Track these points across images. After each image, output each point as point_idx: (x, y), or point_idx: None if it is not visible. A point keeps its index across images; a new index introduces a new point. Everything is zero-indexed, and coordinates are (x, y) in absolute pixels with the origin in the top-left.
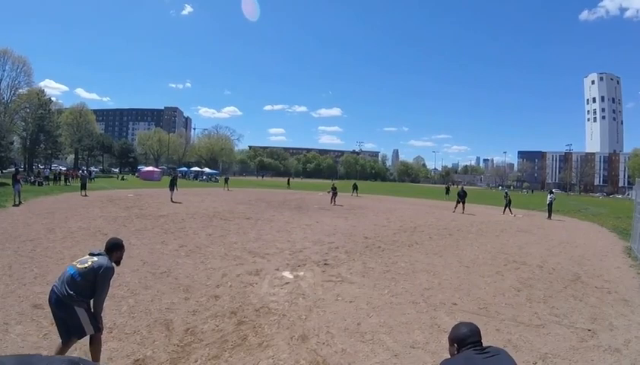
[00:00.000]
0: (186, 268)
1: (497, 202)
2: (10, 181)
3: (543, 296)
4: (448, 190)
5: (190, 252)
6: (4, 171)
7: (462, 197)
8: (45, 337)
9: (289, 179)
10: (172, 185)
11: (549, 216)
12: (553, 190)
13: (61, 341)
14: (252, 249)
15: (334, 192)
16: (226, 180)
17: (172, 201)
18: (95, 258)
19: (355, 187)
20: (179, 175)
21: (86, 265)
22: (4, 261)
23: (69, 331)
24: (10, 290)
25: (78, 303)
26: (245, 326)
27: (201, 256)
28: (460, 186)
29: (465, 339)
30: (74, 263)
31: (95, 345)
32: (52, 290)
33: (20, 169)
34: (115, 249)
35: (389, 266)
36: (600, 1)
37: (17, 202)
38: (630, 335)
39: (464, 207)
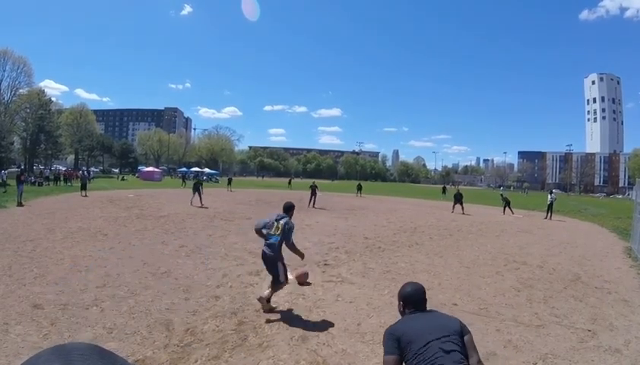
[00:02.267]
0: (186, 269)
1: (497, 202)
2: (12, 182)
3: (544, 296)
4: (444, 190)
5: (190, 253)
6: (4, 171)
7: (459, 199)
8: (45, 337)
9: (290, 180)
10: (197, 189)
11: (549, 216)
12: (554, 190)
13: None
14: (253, 250)
15: (314, 192)
16: (230, 181)
17: (192, 204)
18: (282, 220)
19: (359, 187)
20: (180, 175)
21: (279, 229)
22: (4, 261)
23: (274, 277)
24: (10, 290)
25: (280, 259)
26: (246, 326)
27: (202, 257)
28: (456, 187)
29: (409, 297)
30: (271, 231)
31: (276, 286)
32: (264, 252)
33: (24, 170)
34: (291, 209)
35: (389, 266)
36: (600, 1)
37: (19, 202)
38: (630, 336)
39: (462, 208)
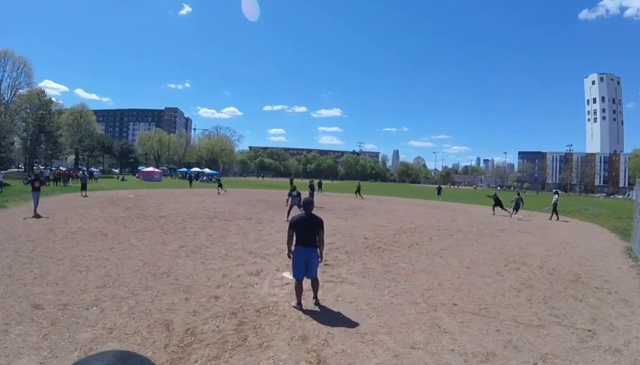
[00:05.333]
0: (186, 269)
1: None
2: (12, 182)
3: (544, 296)
4: (440, 191)
5: (190, 253)
6: (4, 172)
7: (498, 202)
8: (45, 337)
9: (292, 180)
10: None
11: (554, 216)
12: (559, 191)
13: None
14: (253, 250)
15: (311, 191)
16: (220, 184)
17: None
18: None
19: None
20: (181, 175)
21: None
22: (4, 261)
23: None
24: (10, 291)
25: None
26: (246, 327)
27: (202, 257)
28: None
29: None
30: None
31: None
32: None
33: (39, 175)
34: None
35: (389, 267)
36: (599, 0)
37: (36, 214)
38: (630, 336)
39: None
